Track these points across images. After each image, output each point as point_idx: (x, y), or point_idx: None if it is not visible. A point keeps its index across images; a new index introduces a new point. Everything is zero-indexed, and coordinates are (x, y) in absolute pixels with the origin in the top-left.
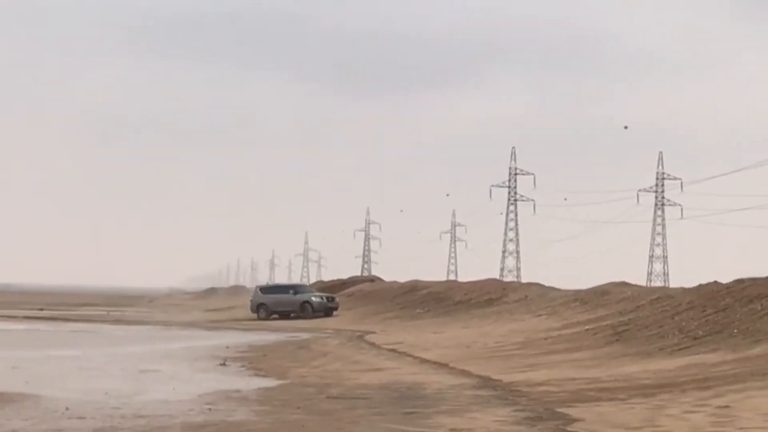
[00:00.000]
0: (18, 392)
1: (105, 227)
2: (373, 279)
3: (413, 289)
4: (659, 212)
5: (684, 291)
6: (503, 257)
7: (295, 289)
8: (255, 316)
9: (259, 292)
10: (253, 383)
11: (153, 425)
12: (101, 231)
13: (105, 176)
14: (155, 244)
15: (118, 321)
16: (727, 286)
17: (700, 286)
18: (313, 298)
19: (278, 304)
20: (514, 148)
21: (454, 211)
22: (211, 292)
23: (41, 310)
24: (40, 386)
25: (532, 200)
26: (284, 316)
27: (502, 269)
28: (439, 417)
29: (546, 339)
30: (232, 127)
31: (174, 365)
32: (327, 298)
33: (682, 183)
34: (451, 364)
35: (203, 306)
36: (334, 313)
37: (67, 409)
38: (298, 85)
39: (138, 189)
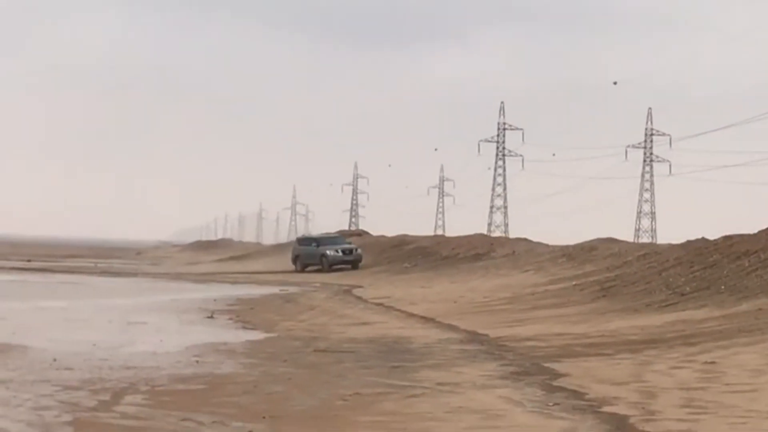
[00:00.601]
0: (5, 343)
1: (93, 179)
2: (361, 233)
3: (401, 243)
4: (647, 168)
5: (672, 247)
6: (491, 212)
7: (318, 241)
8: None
9: (297, 244)
10: (240, 336)
11: (140, 376)
12: (90, 183)
13: (94, 128)
14: (144, 198)
15: (104, 272)
16: (715, 242)
17: (688, 242)
18: (328, 252)
19: (308, 256)
20: (502, 103)
21: (442, 165)
22: (198, 245)
23: (29, 261)
24: (28, 337)
25: (521, 155)
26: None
27: (489, 224)
28: (426, 371)
29: (533, 294)
30: (220, 80)
31: (161, 317)
32: (344, 251)
33: (671, 139)
34: (437, 319)
35: (188, 259)
36: (360, 265)
37: (54, 360)
38: (287, 38)
39: (127, 141)
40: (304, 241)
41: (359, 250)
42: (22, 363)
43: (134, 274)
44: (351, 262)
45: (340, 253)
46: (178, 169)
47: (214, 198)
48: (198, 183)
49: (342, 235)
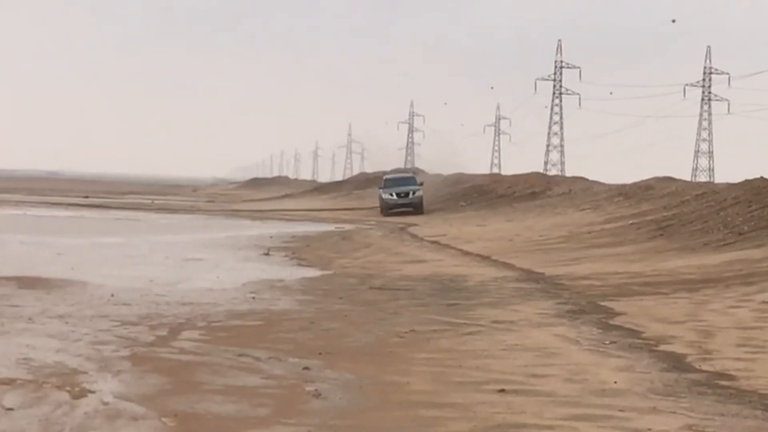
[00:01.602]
0: (63, 278)
1: (151, 117)
2: (416, 171)
3: (457, 182)
4: (706, 107)
5: (729, 186)
6: (547, 151)
7: (385, 183)
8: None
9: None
10: (296, 273)
11: (197, 312)
12: (147, 121)
13: (153, 68)
14: (201, 135)
15: (161, 209)
16: None
17: (746, 181)
18: (383, 195)
19: (379, 198)
20: (560, 41)
21: (498, 104)
22: (254, 182)
23: (86, 197)
24: (86, 273)
25: (578, 94)
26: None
27: (545, 163)
28: (482, 309)
29: (589, 233)
30: (276, 19)
31: (217, 254)
32: (398, 194)
33: (729, 78)
34: (493, 257)
35: (244, 196)
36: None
37: (112, 295)
38: None
39: (185, 80)
40: (384, 181)
41: (419, 193)
42: (80, 298)
43: (191, 211)
44: (409, 205)
45: (395, 197)
46: (235, 106)
47: (270, 135)
48: (255, 120)
49: (414, 176)
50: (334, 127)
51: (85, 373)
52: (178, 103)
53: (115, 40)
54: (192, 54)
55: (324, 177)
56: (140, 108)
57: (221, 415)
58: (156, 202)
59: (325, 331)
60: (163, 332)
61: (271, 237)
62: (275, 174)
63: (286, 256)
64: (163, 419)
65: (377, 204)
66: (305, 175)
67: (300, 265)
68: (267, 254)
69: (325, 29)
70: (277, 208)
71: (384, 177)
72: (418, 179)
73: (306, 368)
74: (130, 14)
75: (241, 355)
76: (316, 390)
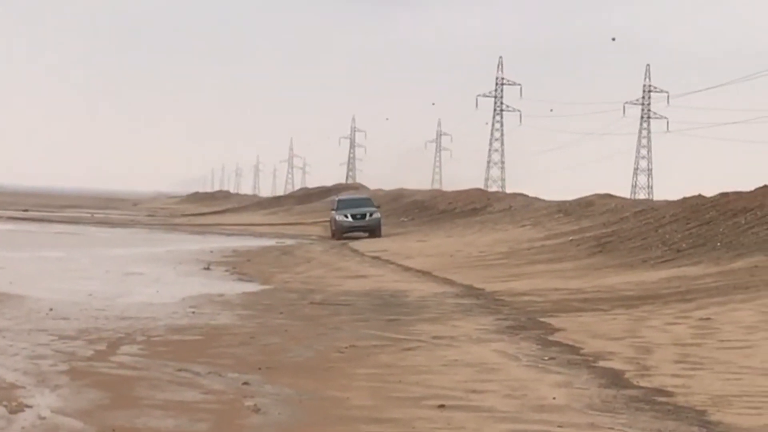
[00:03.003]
0: (2, 292)
1: (90, 131)
2: (357, 187)
3: (398, 197)
4: (645, 125)
5: (668, 204)
6: (488, 167)
7: (338, 204)
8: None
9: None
10: (236, 288)
11: (136, 327)
12: (87, 135)
13: (92, 80)
14: (142, 149)
15: (101, 223)
16: (712, 199)
17: (685, 199)
18: (337, 217)
19: (332, 221)
20: (501, 57)
21: (439, 120)
22: (195, 197)
23: (26, 211)
24: (25, 287)
25: (519, 111)
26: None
27: (486, 179)
28: (422, 324)
29: (529, 249)
30: (219, 33)
31: (158, 268)
32: (354, 215)
33: (668, 96)
34: (434, 273)
35: (185, 210)
36: (381, 233)
37: (51, 309)
38: None
39: (125, 93)
40: (336, 204)
41: (376, 215)
42: (19, 312)
43: (131, 225)
44: (365, 228)
45: (350, 219)
46: (176, 122)
47: (211, 150)
48: (196, 135)
49: (370, 198)
50: (275, 142)
51: (23, 387)
52: (118, 117)
53: (54, 51)
54: (133, 69)
55: (265, 192)
56: (80, 122)
57: (160, 430)
58: (96, 215)
59: (265, 346)
60: (102, 347)
61: (211, 251)
62: (216, 188)
63: (226, 270)
64: None
65: (320, 222)
66: (246, 189)
67: (241, 279)
68: (207, 269)
69: (267, 44)
70: (218, 223)
71: (337, 198)
72: (375, 202)
73: (246, 383)
74: (69, 29)
75: (180, 370)
76: (255, 405)
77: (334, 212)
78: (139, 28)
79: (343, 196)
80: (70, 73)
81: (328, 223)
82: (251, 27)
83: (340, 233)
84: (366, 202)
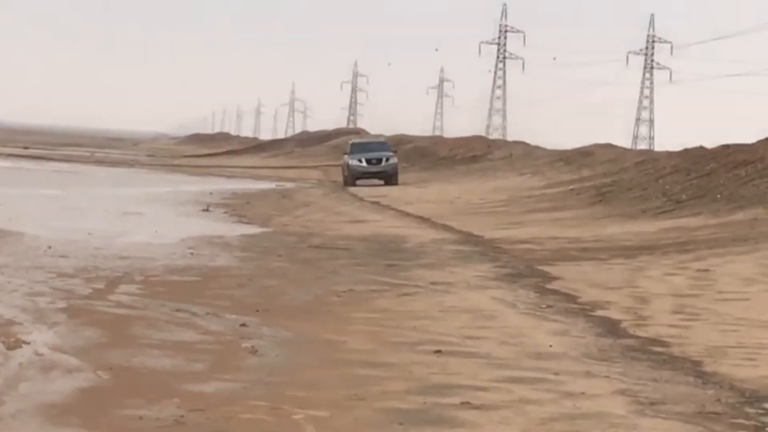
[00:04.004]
0: (0, 229)
1: (93, 69)
2: (358, 131)
3: (398, 143)
4: (648, 75)
5: (669, 155)
6: (490, 114)
7: (352, 147)
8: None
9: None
10: (235, 230)
11: (135, 266)
12: (89, 73)
13: (96, 18)
14: (144, 89)
15: (101, 162)
16: (713, 151)
17: (686, 150)
18: (350, 161)
19: (344, 166)
20: (505, 4)
21: (442, 66)
22: (195, 138)
23: (26, 148)
24: (23, 224)
25: (522, 59)
26: None
27: (488, 127)
28: (420, 270)
29: (529, 198)
30: None
31: (157, 209)
32: (368, 160)
33: (672, 46)
34: (433, 219)
35: (185, 151)
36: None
37: (49, 247)
38: None
39: (128, 33)
40: (349, 148)
41: (393, 160)
42: (17, 249)
43: (131, 165)
44: (381, 174)
45: (364, 164)
46: (178, 61)
47: (212, 92)
48: (197, 76)
49: (386, 142)
50: (277, 85)
51: (20, 324)
52: (120, 56)
53: None
54: (135, 8)
55: (266, 135)
56: (81, 60)
57: (157, 369)
58: (96, 155)
59: (263, 289)
60: (100, 285)
61: (211, 193)
62: (217, 130)
63: (225, 212)
64: (98, 372)
65: (321, 166)
66: (247, 132)
67: (240, 222)
68: (207, 210)
69: None
70: (219, 165)
71: (350, 141)
72: (391, 146)
73: (243, 325)
74: None
75: (178, 311)
76: (252, 347)
77: (346, 156)
78: None
79: (358, 139)
80: (75, 11)
81: (330, 168)
82: None
83: (353, 179)
84: (382, 146)
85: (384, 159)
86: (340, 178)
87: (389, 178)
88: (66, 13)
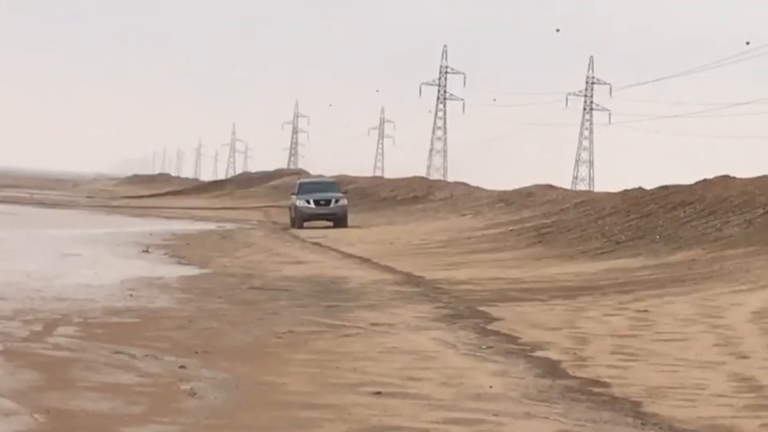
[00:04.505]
0: None
1: (32, 110)
2: (299, 172)
3: (340, 183)
4: (587, 116)
5: (608, 196)
6: (430, 155)
7: (300, 188)
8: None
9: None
10: (175, 271)
11: (73, 308)
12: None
13: (32, 58)
14: (84, 130)
15: (40, 203)
16: (652, 192)
17: (625, 191)
18: (298, 202)
19: (292, 208)
20: (445, 46)
21: (383, 107)
22: (135, 179)
23: None
24: None
25: (462, 99)
26: None
27: (428, 167)
28: (361, 311)
29: (470, 238)
30: (167, 12)
31: (97, 250)
32: (317, 201)
33: (611, 88)
34: (374, 260)
35: (125, 192)
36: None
37: None
38: None
39: (68, 73)
40: (297, 188)
41: (342, 201)
42: None
43: (70, 206)
44: (330, 216)
45: (312, 205)
46: (118, 104)
47: (153, 132)
48: (138, 116)
49: (336, 182)
50: (217, 125)
51: None
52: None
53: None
54: (75, 48)
55: (207, 175)
56: (20, 100)
57: (95, 412)
58: (35, 196)
59: (202, 330)
60: (38, 327)
61: (151, 234)
62: (157, 171)
63: (165, 253)
64: (35, 415)
65: (261, 207)
66: (188, 173)
67: (180, 263)
68: (146, 251)
69: (211, 27)
70: (159, 206)
71: (298, 181)
72: (341, 187)
73: (182, 367)
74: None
75: (116, 353)
76: (191, 389)
77: (294, 197)
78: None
79: (306, 179)
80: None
81: (271, 209)
82: (195, 10)
83: (301, 221)
84: (331, 186)
85: (333, 200)
86: (286, 220)
87: (339, 220)
88: (8, 54)
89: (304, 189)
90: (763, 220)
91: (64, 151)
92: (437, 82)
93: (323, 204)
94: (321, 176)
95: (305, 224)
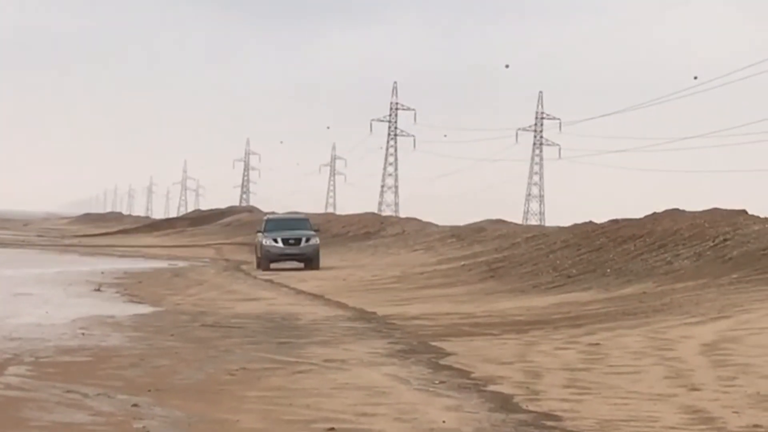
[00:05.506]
0: None
1: None
2: (251, 209)
3: (310, 220)
4: (537, 151)
5: (559, 230)
6: (382, 192)
7: (267, 224)
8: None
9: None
10: (127, 309)
11: (25, 348)
12: None
13: None
14: (33, 168)
15: None
16: (602, 226)
17: (575, 225)
18: (264, 241)
19: (258, 247)
20: (395, 83)
21: (334, 144)
22: (87, 217)
23: None
24: None
25: (413, 136)
26: None
27: (380, 203)
28: (313, 347)
29: (422, 273)
30: (113, 51)
31: (48, 289)
32: (285, 240)
33: (560, 123)
34: (326, 296)
35: (77, 231)
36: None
37: None
38: (183, 10)
39: (12, 108)
40: (263, 225)
41: (314, 240)
42: None
43: (21, 245)
44: (299, 257)
45: (280, 244)
46: (69, 141)
47: (103, 170)
48: (89, 155)
49: (307, 219)
50: (168, 164)
51: None
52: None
53: None
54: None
55: (158, 213)
56: None
57: None
58: None
59: (155, 368)
60: None
61: (102, 273)
62: (108, 209)
63: (117, 292)
64: None
65: (213, 244)
66: (139, 211)
67: (132, 301)
68: (98, 290)
69: (159, 64)
70: (110, 244)
71: (265, 217)
72: (312, 224)
73: (135, 405)
74: None
75: (69, 392)
76: (144, 427)
77: (260, 235)
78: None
79: (274, 215)
80: None
81: (223, 246)
82: (143, 45)
83: (267, 263)
84: (301, 223)
85: (304, 239)
86: (238, 257)
87: (309, 261)
88: None
89: (272, 226)
90: (712, 252)
91: (13, 191)
92: (388, 118)
93: (293, 243)
94: (292, 212)
95: (272, 266)
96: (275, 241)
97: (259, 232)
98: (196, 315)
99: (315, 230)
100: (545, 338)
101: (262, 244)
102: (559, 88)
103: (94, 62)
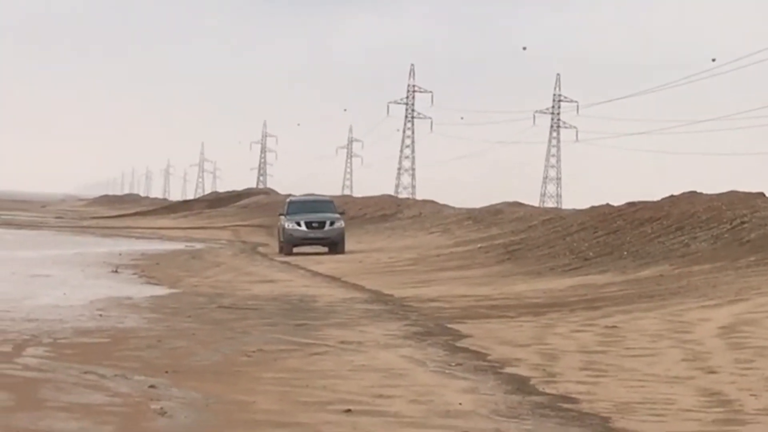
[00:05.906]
0: None
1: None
2: (268, 192)
3: (335, 202)
4: (554, 134)
5: (576, 212)
6: (399, 174)
7: (290, 207)
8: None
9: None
10: (144, 291)
11: (43, 329)
12: None
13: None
14: (52, 150)
15: (8, 224)
16: (619, 208)
17: (593, 208)
18: (287, 224)
19: (280, 230)
20: (412, 65)
21: (351, 126)
22: (104, 199)
23: None
24: None
25: (430, 118)
26: None
27: (397, 186)
28: (330, 329)
29: (438, 256)
30: (132, 33)
31: (65, 271)
32: (309, 223)
33: (578, 106)
34: (343, 278)
35: (94, 213)
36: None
37: None
38: None
39: (34, 93)
40: (286, 207)
41: (339, 224)
42: None
43: (39, 227)
44: (324, 240)
45: (304, 227)
46: (86, 124)
47: (121, 152)
48: (106, 137)
49: (332, 201)
50: (186, 146)
51: None
52: (27, 116)
53: None
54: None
55: (175, 195)
56: None
57: None
58: (3, 217)
59: (172, 350)
60: (7, 348)
61: (120, 254)
62: (126, 191)
63: (134, 273)
64: None
65: (230, 226)
66: (156, 193)
67: (149, 283)
68: (115, 272)
69: (177, 47)
70: (127, 226)
71: (288, 200)
72: (336, 206)
73: (152, 386)
74: None
75: (86, 373)
76: (161, 408)
77: (283, 218)
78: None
79: (297, 197)
80: None
81: (240, 228)
82: (161, 27)
83: (290, 247)
84: (326, 206)
85: (328, 222)
86: (255, 239)
87: (334, 245)
88: None
89: (294, 209)
90: (729, 235)
91: (32, 172)
92: (405, 100)
93: (316, 226)
94: (312, 194)
95: (295, 250)
96: (298, 224)
97: (282, 215)
98: (213, 297)
99: (340, 213)
100: (562, 320)
101: (284, 228)
102: (577, 70)
103: (113, 45)
